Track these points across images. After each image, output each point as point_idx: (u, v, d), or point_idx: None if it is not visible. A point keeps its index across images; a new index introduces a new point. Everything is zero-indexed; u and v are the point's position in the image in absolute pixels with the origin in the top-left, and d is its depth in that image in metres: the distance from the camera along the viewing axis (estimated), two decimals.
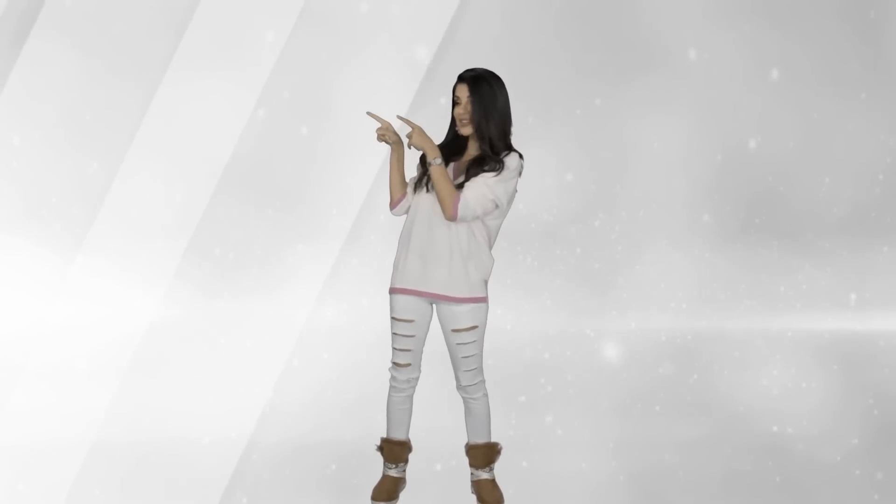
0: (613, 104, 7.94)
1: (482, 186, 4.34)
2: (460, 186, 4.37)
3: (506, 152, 4.39)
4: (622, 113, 7.96)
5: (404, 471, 4.68)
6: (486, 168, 4.36)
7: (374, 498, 4.62)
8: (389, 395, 4.60)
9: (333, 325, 7.22)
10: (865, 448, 5.50)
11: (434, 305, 4.49)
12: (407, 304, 4.46)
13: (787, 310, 7.91)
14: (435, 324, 4.53)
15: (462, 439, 4.71)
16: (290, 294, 7.52)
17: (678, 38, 7.97)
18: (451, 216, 4.34)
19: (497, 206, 4.39)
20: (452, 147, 4.47)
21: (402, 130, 4.49)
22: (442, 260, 4.40)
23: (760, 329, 7.67)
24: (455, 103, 4.42)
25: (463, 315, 4.42)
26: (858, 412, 6.11)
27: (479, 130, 4.38)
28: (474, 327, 4.45)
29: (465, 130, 4.41)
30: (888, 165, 8.24)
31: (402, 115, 4.50)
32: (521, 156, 4.42)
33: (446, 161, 4.42)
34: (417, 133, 4.39)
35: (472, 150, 4.46)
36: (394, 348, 4.52)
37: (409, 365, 4.52)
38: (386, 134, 4.48)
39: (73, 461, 5.12)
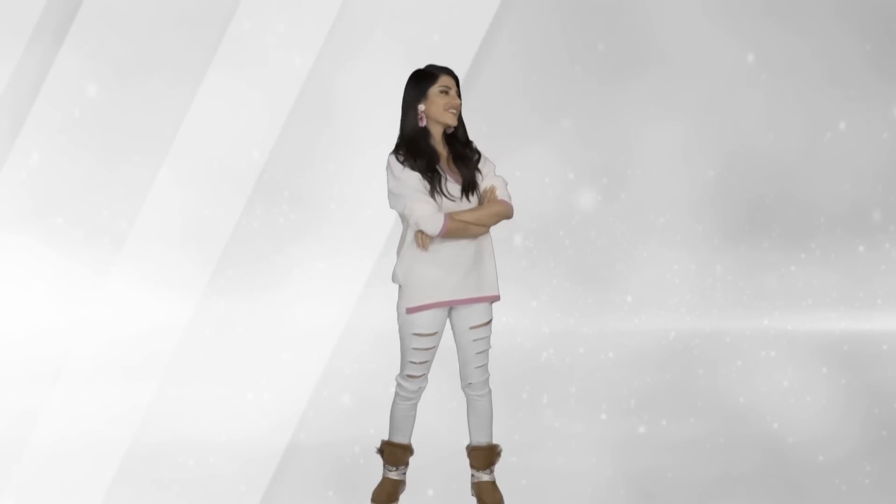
0: (615, 102, 7.94)
1: (500, 179, 4.44)
2: (470, 188, 4.38)
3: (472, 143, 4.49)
4: (623, 111, 7.96)
5: (405, 473, 4.69)
6: (472, 161, 4.42)
7: (374, 500, 4.63)
8: (396, 404, 4.58)
9: (333, 325, 7.24)
10: (867, 450, 5.50)
11: (451, 310, 4.49)
12: (433, 318, 4.41)
13: (790, 309, 7.90)
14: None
15: (462, 441, 4.73)
16: (302, 296, 7.56)
17: (681, 37, 7.97)
18: (512, 215, 4.45)
19: None
20: (423, 145, 4.37)
21: None
22: (471, 264, 4.41)
23: (762, 329, 7.67)
24: (442, 91, 4.35)
25: (482, 311, 4.47)
26: (861, 413, 6.10)
27: (463, 126, 4.44)
28: (490, 321, 4.50)
29: (454, 121, 4.37)
30: (891, 164, 8.24)
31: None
32: None
33: (431, 164, 4.34)
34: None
35: (439, 143, 4.42)
36: (410, 362, 4.46)
37: (423, 376, 4.53)
38: None
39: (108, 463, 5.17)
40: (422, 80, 4.37)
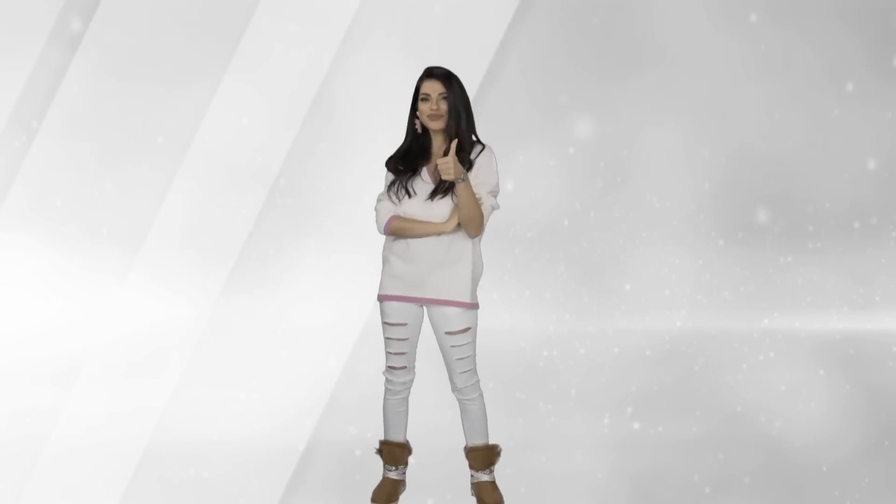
0: (616, 102, 7.93)
1: (493, 200, 4.41)
2: (448, 191, 4.38)
3: (478, 147, 4.44)
4: (625, 109, 7.96)
5: (404, 473, 4.69)
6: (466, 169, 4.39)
7: (374, 500, 4.64)
8: (385, 399, 4.62)
9: (332, 325, 7.24)
10: (868, 452, 5.49)
11: (425, 308, 4.51)
12: (399, 309, 4.47)
13: (791, 309, 7.90)
14: (427, 325, 4.55)
15: (462, 440, 4.72)
16: (302, 295, 7.56)
17: (682, 36, 7.96)
18: (477, 235, 4.40)
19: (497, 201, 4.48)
20: (416, 149, 4.46)
21: None
22: (435, 264, 4.42)
23: (763, 328, 7.67)
24: (422, 99, 4.40)
25: (455, 317, 4.44)
26: (862, 416, 6.10)
27: (452, 129, 4.40)
28: (467, 329, 4.47)
29: (436, 125, 4.40)
30: (892, 160, 8.23)
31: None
32: (487, 145, 4.48)
33: (415, 166, 4.43)
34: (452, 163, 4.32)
35: (439, 147, 4.45)
36: (388, 353, 4.54)
37: (404, 368, 4.55)
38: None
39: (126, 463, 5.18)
40: (415, 89, 4.45)
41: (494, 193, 4.43)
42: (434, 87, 4.39)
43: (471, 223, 4.35)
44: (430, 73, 4.43)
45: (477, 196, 4.37)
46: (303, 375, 6.52)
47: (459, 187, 4.30)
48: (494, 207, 4.44)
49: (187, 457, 5.28)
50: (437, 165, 4.37)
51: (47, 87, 7.56)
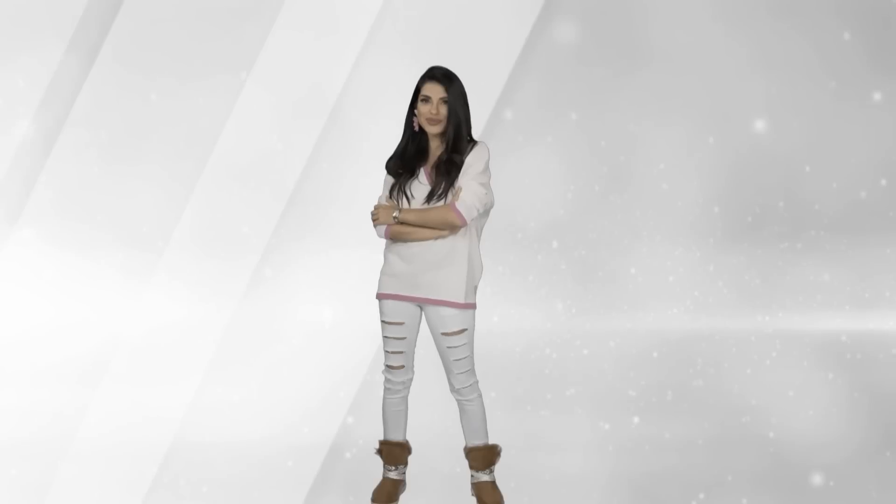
0: (616, 100, 7.92)
1: (475, 184, 4.39)
2: (444, 194, 4.39)
3: (471, 146, 4.44)
4: (626, 107, 7.94)
5: (404, 473, 4.71)
6: (454, 169, 4.40)
7: (374, 500, 4.65)
8: (384, 398, 4.64)
9: (333, 324, 7.26)
10: (869, 454, 5.49)
11: (422, 308, 4.52)
12: (395, 307, 4.49)
13: (793, 309, 7.88)
14: (425, 326, 4.57)
15: (462, 440, 4.73)
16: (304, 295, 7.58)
17: (683, 34, 7.94)
18: (460, 224, 4.38)
19: (491, 196, 4.47)
20: (412, 149, 4.46)
21: None
22: (431, 264, 4.43)
23: (764, 328, 7.65)
24: (423, 100, 4.41)
25: (451, 318, 4.45)
26: (864, 417, 6.09)
27: (451, 134, 4.41)
28: (463, 330, 4.48)
29: (435, 129, 4.41)
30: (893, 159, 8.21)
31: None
32: (480, 141, 4.48)
33: (413, 167, 4.44)
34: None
35: (437, 148, 4.47)
36: (386, 351, 4.56)
37: (402, 367, 4.56)
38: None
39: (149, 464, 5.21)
40: (415, 89, 4.45)
41: (478, 180, 4.39)
42: (435, 91, 4.40)
43: (441, 228, 4.38)
44: (432, 76, 4.43)
45: (458, 186, 4.37)
46: (304, 376, 6.54)
47: (403, 219, 4.38)
48: (474, 191, 4.37)
49: (181, 458, 5.30)
50: (434, 166, 4.40)
51: (68, 91, 7.61)
